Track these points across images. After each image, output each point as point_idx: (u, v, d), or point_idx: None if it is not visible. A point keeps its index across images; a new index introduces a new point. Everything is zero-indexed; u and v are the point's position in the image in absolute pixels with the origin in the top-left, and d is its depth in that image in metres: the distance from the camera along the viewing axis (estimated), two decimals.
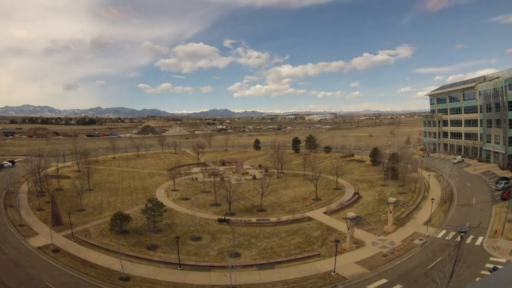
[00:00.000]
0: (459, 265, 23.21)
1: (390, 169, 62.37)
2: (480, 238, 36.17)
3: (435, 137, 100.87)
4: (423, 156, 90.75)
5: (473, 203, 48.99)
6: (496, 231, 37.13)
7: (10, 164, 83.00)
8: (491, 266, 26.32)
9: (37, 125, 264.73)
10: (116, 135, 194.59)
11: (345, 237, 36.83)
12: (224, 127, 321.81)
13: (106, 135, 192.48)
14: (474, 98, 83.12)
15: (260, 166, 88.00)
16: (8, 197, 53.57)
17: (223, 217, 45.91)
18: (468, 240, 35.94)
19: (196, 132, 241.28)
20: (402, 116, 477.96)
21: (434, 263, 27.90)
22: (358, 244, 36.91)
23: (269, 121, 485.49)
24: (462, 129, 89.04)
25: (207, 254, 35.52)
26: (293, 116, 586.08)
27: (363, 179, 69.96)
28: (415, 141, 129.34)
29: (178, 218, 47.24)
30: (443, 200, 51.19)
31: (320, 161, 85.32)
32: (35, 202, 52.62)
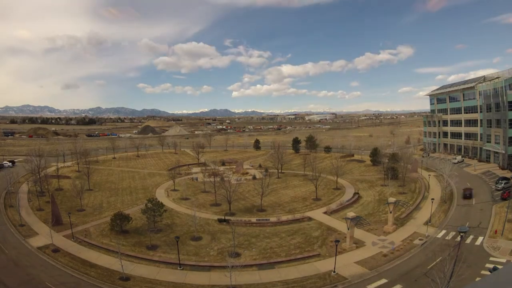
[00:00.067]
0: (459, 265, 23.22)
1: (390, 169, 62.38)
2: (480, 238, 36.17)
3: (435, 137, 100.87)
4: (423, 156, 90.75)
5: (473, 203, 49.00)
6: (496, 231, 37.13)
7: (10, 164, 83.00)
8: (491, 266, 26.31)
9: (37, 125, 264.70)
10: (116, 135, 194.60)
11: (345, 237, 36.83)
12: (224, 127, 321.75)
13: (106, 135, 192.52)
14: (474, 98, 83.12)
15: (260, 166, 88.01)
16: (8, 197, 53.57)
17: (223, 217, 45.92)
18: (468, 240, 35.94)
19: (196, 132, 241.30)
20: (402, 116, 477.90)
21: (434, 263, 27.90)
22: (358, 244, 36.91)
23: (269, 121, 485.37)
24: (462, 129, 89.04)
25: (207, 254, 35.52)
26: (293, 116, 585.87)
27: (363, 179, 69.96)
28: (415, 141, 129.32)
29: (178, 218, 47.25)
30: (443, 200, 51.19)
31: (320, 161, 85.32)
32: (35, 202, 52.62)
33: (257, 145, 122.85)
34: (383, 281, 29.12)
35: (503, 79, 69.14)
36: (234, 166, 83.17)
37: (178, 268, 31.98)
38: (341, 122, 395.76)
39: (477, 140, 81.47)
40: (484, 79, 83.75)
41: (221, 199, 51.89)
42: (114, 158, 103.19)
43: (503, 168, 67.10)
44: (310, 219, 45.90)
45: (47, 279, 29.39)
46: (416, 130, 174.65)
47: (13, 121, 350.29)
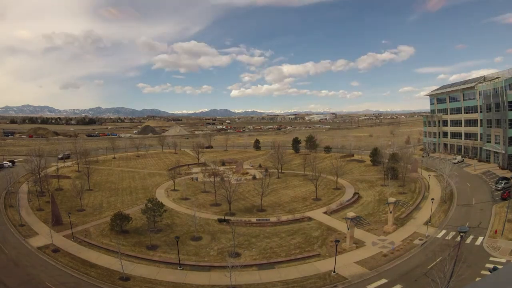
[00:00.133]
0: (459, 265, 23.21)
1: (390, 169, 62.37)
2: (480, 238, 36.18)
3: (435, 137, 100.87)
4: (423, 156, 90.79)
5: (473, 203, 49.00)
6: (496, 231, 37.14)
7: (10, 164, 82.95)
8: (491, 266, 26.32)
9: (37, 125, 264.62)
10: (116, 135, 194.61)
11: (345, 237, 36.83)
12: (224, 127, 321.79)
13: (106, 135, 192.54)
14: (474, 98, 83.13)
15: (260, 166, 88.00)
16: (8, 197, 53.56)
17: (223, 217, 45.92)
18: (468, 240, 35.94)
19: (196, 132, 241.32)
20: (402, 116, 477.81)
21: (434, 263, 27.89)
22: (358, 244, 36.91)
23: (269, 121, 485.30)
24: (462, 129, 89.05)
25: (207, 254, 35.53)
26: (293, 116, 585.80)
27: (363, 179, 69.96)
28: (415, 141, 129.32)
29: (178, 218, 47.25)
30: (443, 200, 51.19)
31: (320, 161, 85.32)
32: (35, 202, 52.62)
33: (257, 145, 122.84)
34: (383, 281, 29.12)
35: (503, 79, 69.15)
36: (234, 166, 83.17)
37: (178, 268, 31.98)
38: (341, 122, 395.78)
39: (477, 140, 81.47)
40: (484, 79, 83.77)
41: (221, 199, 51.88)
42: (114, 158, 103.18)
43: (503, 168, 67.10)
44: (310, 219, 45.90)
45: (47, 279, 29.39)
46: (416, 130, 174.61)
47: (13, 121, 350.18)
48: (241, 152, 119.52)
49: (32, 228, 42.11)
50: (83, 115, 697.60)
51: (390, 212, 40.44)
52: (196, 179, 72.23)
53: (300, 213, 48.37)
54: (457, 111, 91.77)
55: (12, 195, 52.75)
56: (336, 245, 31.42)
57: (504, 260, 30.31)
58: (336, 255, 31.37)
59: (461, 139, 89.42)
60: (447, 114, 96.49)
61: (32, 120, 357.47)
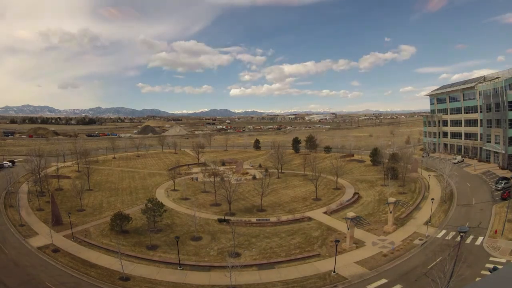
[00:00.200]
0: (459, 265, 23.20)
1: (390, 169, 62.39)
2: (480, 238, 36.18)
3: (435, 137, 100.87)
4: (423, 156, 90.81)
5: (473, 203, 49.00)
6: (496, 231, 37.14)
7: (10, 164, 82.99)
8: (491, 266, 26.31)
9: (37, 125, 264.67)
10: (116, 135, 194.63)
11: (345, 237, 36.83)
12: (224, 127, 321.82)
13: (106, 135, 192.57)
14: (474, 98, 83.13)
15: (260, 166, 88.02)
16: (8, 197, 53.57)
17: (223, 217, 45.92)
18: (468, 240, 35.94)
19: (196, 132, 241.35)
20: (402, 116, 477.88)
21: (434, 263, 27.88)
22: (358, 244, 36.91)
23: (269, 121, 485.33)
24: (462, 129, 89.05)
25: (207, 254, 35.53)
26: (293, 116, 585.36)
27: (363, 179, 69.97)
28: (415, 141, 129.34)
29: (178, 218, 47.24)
30: (443, 200, 51.19)
31: (320, 161, 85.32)
32: (35, 202, 52.63)
33: (257, 145, 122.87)
34: (383, 281, 29.13)
35: (503, 79, 69.16)
36: (234, 166, 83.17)
37: (178, 268, 31.98)
38: (341, 122, 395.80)
39: (477, 140, 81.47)
40: (484, 79, 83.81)
41: (221, 199, 51.88)
42: (114, 158, 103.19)
43: (503, 168, 67.11)
44: (310, 219, 45.90)
45: (47, 279, 29.39)
46: (416, 130, 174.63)
47: (13, 121, 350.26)
48: (241, 152, 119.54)
49: (32, 228, 42.12)
50: (83, 115, 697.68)
51: (390, 212, 40.44)
52: (196, 179, 72.23)
53: (300, 213, 48.37)
54: (457, 111, 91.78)
55: (12, 195, 52.75)
56: (336, 245, 31.42)
57: (504, 260, 30.30)
58: (336, 255, 31.37)
59: (461, 139, 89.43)
60: (447, 114, 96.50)
61: (32, 120, 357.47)
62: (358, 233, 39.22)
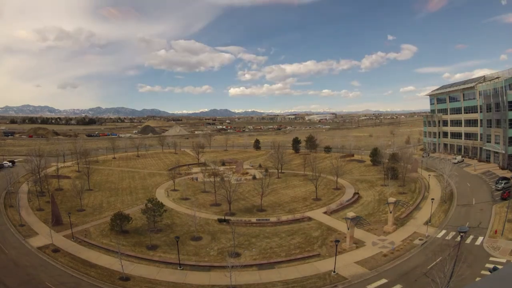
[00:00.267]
0: (459, 265, 23.20)
1: (390, 169, 62.39)
2: (480, 238, 36.18)
3: (435, 137, 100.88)
4: (423, 156, 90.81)
5: (473, 203, 49.01)
6: (496, 231, 37.14)
7: (10, 164, 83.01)
8: (491, 266, 26.30)
9: (37, 125, 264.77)
10: (116, 135, 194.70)
11: (345, 237, 36.83)
12: (224, 127, 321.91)
13: (106, 135, 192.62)
14: (474, 98, 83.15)
15: (260, 166, 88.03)
16: (8, 197, 53.58)
17: (223, 217, 45.93)
18: (468, 240, 35.94)
19: (196, 132, 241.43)
20: (402, 116, 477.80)
21: (434, 263, 27.87)
22: (358, 244, 36.92)
23: (269, 121, 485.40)
24: (462, 129, 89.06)
25: (207, 254, 35.54)
26: (293, 116, 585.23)
27: (363, 179, 69.98)
28: (415, 141, 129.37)
29: (178, 218, 47.25)
30: (443, 200, 51.19)
31: (320, 161, 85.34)
32: (35, 202, 52.64)
33: (257, 145, 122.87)
34: (383, 281, 29.13)
35: (503, 79, 69.18)
36: (234, 166, 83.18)
37: (178, 268, 31.99)
38: (341, 122, 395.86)
39: (477, 140, 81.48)
40: (484, 79, 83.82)
41: (221, 199, 51.88)
42: (114, 158, 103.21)
43: (503, 168, 67.12)
44: (310, 219, 45.90)
45: (47, 279, 29.40)
46: (416, 130, 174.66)
47: (13, 121, 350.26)
48: (241, 152, 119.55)
49: (32, 228, 42.13)
50: (83, 115, 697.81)
51: (390, 212, 40.45)
52: (196, 179, 72.24)
53: (300, 213, 48.38)
54: (457, 111, 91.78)
55: (12, 195, 52.76)
56: (336, 245, 31.41)
57: (504, 260, 30.31)
58: (336, 255, 31.37)
59: (461, 139, 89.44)
60: (447, 114, 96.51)
61: (32, 120, 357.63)
62: (358, 233, 39.22)
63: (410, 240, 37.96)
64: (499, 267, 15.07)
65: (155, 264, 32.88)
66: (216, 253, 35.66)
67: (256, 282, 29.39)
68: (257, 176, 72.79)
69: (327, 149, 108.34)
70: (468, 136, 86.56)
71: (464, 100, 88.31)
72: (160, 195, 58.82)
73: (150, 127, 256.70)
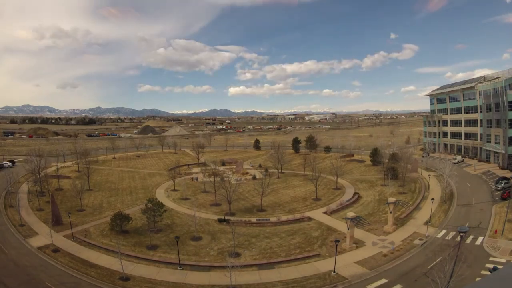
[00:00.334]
0: (459, 265, 23.19)
1: (390, 169, 62.37)
2: (480, 238, 36.19)
3: (435, 137, 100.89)
4: (423, 156, 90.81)
5: (473, 203, 49.01)
6: (496, 231, 37.15)
7: (10, 164, 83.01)
8: (491, 266, 26.32)
9: (37, 125, 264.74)
10: (116, 135, 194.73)
11: (345, 237, 36.84)
12: (224, 127, 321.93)
13: (106, 135, 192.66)
14: (474, 98, 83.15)
15: (260, 166, 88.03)
16: (8, 197, 53.58)
17: (223, 217, 45.93)
18: (468, 240, 35.94)
19: (196, 132, 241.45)
20: (402, 116, 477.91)
21: (434, 263, 27.87)
22: (358, 244, 36.92)
23: (269, 121, 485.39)
24: (462, 129, 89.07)
25: (207, 254, 35.54)
26: (293, 116, 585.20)
27: (363, 179, 69.98)
28: (415, 141, 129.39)
29: (178, 218, 47.25)
30: (443, 200, 51.19)
31: (320, 161, 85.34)
32: (35, 202, 52.64)
33: (257, 145, 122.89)
34: (383, 281, 29.13)
35: (503, 79, 69.21)
36: (234, 166, 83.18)
37: (178, 268, 31.99)
38: (341, 122, 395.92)
39: (477, 140, 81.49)
40: (484, 79, 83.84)
41: (221, 199, 51.88)
42: (114, 158, 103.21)
43: (503, 168, 67.13)
44: (310, 219, 45.90)
45: (47, 279, 29.40)
46: (416, 130, 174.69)
47: (13, 121, 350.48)
48: (241, 152, 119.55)
49: (32, 228, 42.14)
50: (83, 115, 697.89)
51: (390, 212, 40.44)
52: (196, 179, 72.24)
53: (300, 213, 48.38)
54: (457, 111, 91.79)
55: (12, 195, 52.74)
56: (336, 245, 31.42)
57: (504, 260, 30.32)
58: (336, 255, 31.38)
59: (461, 139, 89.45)
60: (447, 114, 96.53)
61: (32, 120, 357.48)
62: (358, 233, 39.22)
63: (410, 240, 37.96)
64: (499, 267, 15.09)
65: (155, 264, 32.88)
66: (216, 253, 35.66)
67: (256, 282, 29.39)
68: (257, 176, 72.78)
69: (327, 149, 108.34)
70: (468, 136, 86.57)
71: (464, 100, 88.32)
72: (160, 195, 58.82)
73: (150, 127, 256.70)
